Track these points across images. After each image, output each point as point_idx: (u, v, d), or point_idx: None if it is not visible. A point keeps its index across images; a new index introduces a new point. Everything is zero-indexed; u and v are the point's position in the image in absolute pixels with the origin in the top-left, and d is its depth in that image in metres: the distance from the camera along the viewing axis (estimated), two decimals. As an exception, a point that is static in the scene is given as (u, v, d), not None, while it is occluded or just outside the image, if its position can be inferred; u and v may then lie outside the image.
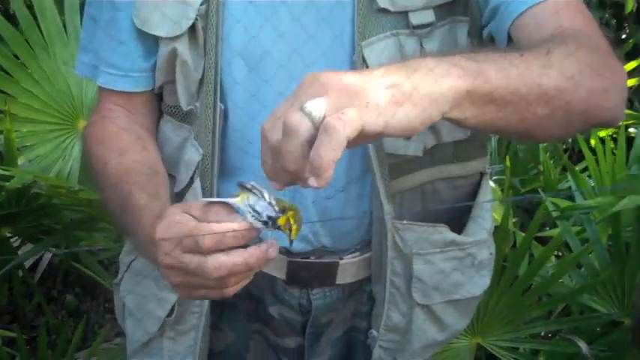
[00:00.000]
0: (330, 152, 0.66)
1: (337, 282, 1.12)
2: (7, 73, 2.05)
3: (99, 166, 1.04)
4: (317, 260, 1.10)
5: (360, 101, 0.68)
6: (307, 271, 1.10)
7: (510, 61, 0.77)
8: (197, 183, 1.04)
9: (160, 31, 1.01)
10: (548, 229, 2.26)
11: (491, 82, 0.74)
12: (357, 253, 1.11)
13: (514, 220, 2.18)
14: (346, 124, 0.66)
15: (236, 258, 0.80)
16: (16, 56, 2.07)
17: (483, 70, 0.74)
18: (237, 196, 0.82)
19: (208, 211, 0.82)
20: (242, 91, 1.03)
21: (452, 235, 1.10)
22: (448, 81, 0.71)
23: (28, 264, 2.46)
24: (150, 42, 1.04)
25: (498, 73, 0.75)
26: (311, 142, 0.68)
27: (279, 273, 1.11)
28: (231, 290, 0.83)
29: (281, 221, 0.81)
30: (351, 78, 0.70)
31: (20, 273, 2.35)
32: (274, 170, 0.72)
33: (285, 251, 1.08)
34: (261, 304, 1.16)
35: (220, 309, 1.16)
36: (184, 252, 0.80)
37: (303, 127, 0.68)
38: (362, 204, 1.08)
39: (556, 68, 0.78)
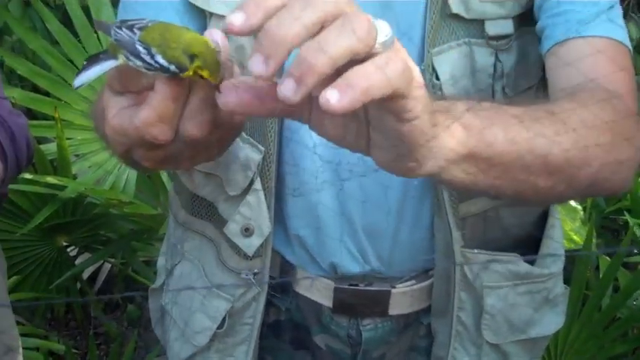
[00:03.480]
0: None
1: (390, 313, 1.02)
2: (63, 78, 2.03)
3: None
4: (367, 288, 1.00)
5: (416, 82, 0.57)
6: (356, 299, 1.00)
7: (521, 120, 0.68)
8: (258, 184, 0.94)
9: (217, 9, 0.88)
10: (635, 252, 2.10)
11: (495, 146, 0.65)
12: (413, 282, 1.01)
13: (597, 241, 2.05)
14: (406, 59, 0.55)
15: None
16: (71, 61, 2.04)
17: (487, 131, 0.65)
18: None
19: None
20: None
21: (526, 267, 1.00)
22: (452, 138, 0.63)
23: (87, 274, 2.43)
24: (198, 18, 0.90)
25: (505, 135, 0.66)
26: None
27: (326, 300, 1.02)
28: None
29: (187, 74, 0.58)
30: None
31: (79, 285, 2.32)
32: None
33: (333, 276, 0.99)
34: (306, 333, 1.07)
35: (261, 337, 1.06)
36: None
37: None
38: (418, 228, 0.97)
39: (571, 135, 0.70)
